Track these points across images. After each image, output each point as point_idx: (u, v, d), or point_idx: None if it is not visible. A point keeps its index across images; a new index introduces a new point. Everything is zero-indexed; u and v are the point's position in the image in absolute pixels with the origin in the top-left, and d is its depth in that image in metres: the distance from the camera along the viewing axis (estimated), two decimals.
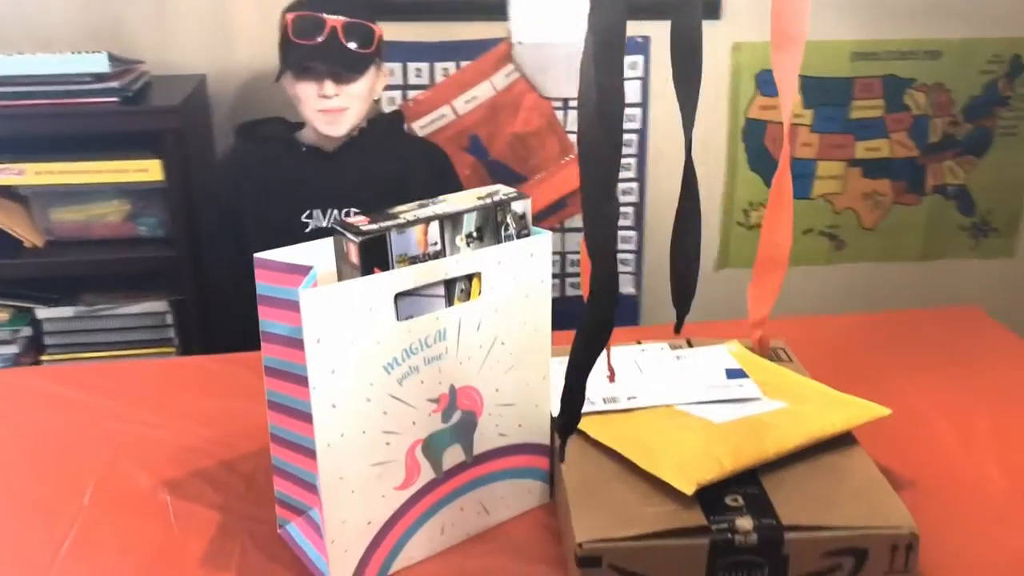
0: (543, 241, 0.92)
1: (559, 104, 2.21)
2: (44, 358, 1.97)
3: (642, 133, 2.27)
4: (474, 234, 0.88)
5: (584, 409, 1.00)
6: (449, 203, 0.89)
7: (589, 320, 0.63)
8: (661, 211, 2.30)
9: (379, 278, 0.82)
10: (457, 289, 0.89)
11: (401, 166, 1.78)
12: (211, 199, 1.82)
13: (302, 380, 0.88)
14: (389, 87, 2.14)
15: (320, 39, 1.61)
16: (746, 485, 0.90)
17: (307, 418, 0.90)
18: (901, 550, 0.85)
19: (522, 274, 0.92)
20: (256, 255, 0.87)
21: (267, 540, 0.97)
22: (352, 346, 0.82)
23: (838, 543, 0.85)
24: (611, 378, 0.94)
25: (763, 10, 2.14)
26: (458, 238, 0.87)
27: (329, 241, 0.91)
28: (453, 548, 0.96)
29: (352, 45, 1.64)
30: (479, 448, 0.95)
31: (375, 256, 0.82)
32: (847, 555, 0.85)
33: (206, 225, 1.85)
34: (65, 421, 1.19)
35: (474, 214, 0.87)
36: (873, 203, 2.42)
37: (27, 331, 1.96)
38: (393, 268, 0.83)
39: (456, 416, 0.92)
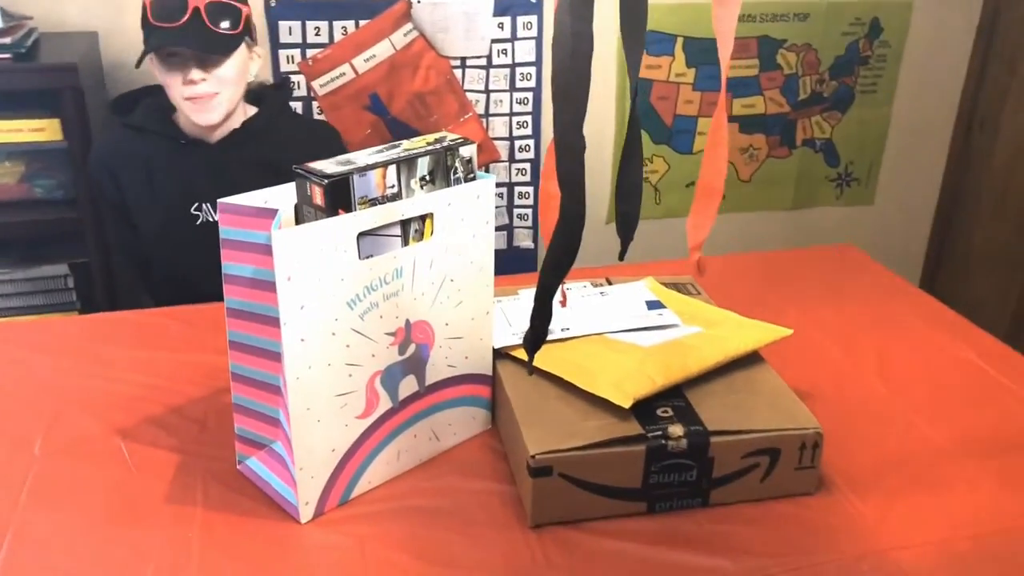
0: (487, 184, 1.00)
1: (457, 63, 2.26)
2: None
3: (536, 91, 2.35)
4: (427, 177, 0.95)
5: (520, 341, 1.10)
6: (403, 148, 0.95)
7: (557, 245, 0.71)
8: None
9: (344, 219, 0.88)
10: (412, 229, 0.95)
11: (290, 151, 1.58)
12: (94, 190, 1.73)
13: (264, 319, 0.94)
14: (286, 46, 2.15)
15: (182, 21, 1.51)
16: (673, 399, 1.01)
17: (269, 356, 0.95)
18: (808, 448, 0.98)
19: (469, 215, 0.99)
20: (220, 200, 0.91)
21: (228, 476, 1.02)
22: (319, 283, 0.88)
23: (756, 444, 0.97)
24: (563, 303, 1.03)
25: None
26: (413, 181, 0.93)
27: (279, 188, 0.96)
28: (408, 473, 1.04)
29: (217, 26, 1.55)
30: (430, 379, 1.03)
31: (339, 198, 0.88)
32: (763, 454, 0.97)
33: (108, 221, 1.79)
34: (3, 376, 1.19)
35: (427, 158, 0.94)
36: (749, 156, 2.59)
37: None
38: (355, 209, 0.89)
39: (411, 349, 0.99)
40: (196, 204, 1.66)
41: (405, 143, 0.96)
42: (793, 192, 2.66)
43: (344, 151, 1.88)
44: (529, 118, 2.37)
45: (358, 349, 0.94)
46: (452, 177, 0.97)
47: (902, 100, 2.62)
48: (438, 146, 0.96)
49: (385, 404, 0.99)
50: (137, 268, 1.83)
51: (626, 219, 0.81)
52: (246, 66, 1.66)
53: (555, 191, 0.76)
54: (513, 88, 2.33)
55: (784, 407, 1.01)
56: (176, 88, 1.58)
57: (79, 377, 1.20)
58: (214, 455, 1.05)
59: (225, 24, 1.56)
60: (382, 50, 2.20)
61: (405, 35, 2.20)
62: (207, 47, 1.54)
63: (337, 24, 2.17)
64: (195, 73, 1.55)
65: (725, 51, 0.72)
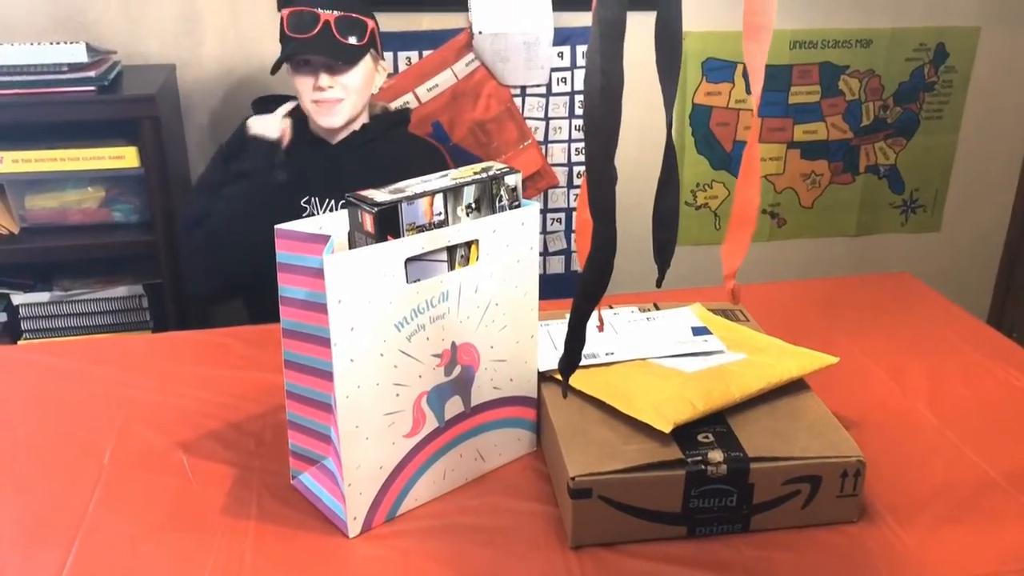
0: (532, 211, 1.03)
1: (517, 92, 2.31)
2: (21, 342, 2.01)
3: None
4: (473, 205, 0.98)
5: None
6: (450, 178, 0.99)
7: (590, 272, 0.73)
8: (616, 190, 2.42)
9: (392, 245, 0.92)
10: (458, 255, 0.99)
11: (399, 164, 1.70)
12: (217, 156, 1.85)
13: (318, 340, 0.98)
14: None
15: (313, 32, 1.68)
16: (715, 424, 1.02)
17: (322, 375, 1.00)
18: (850, 476, 0.98)
19: (514, 241, 1.02)
20: (277, 226, 0.96)
21: (281, 490, 1.06)
22: (368, 306, 0.92)
23: (796, 471, 0.97)
24: (600, 328, 1.05)
25: (709, 1, 2.27)
26: (459, 209, 0.97)
27: (334, 215, 1.00)
28: (454, 491, 1.07)
29: (345, 39, 1.70)
30: (476, 400, 1.06)
31: (388, 225, 0.92)
32: (804, 482, 0.98)
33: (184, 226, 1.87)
34: (75, 390, 1.26)
35: (473, 187, 0.98)
36: (811, 183, 2.57)
37: (2, 316, 2.00)
38: (404, 236, 0.93)
39: (457, 370, 1.02)
40: (307, 197, 1.76)
41: (453, 172, 1.00)
42: (856, 218, 2.63)
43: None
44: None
45: (405, 370, 0.97)
46: (497, 205, 1.00)
47: (969, 126, 2.58)
48: (484, 175, 0.99)
49: (431, 423, 1.02)
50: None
51: (664, 247, 0.84)
52: (371, 77, 1.80)
53: (589, 219, 0.79)
54: (572, 115, 2.37)
55: (826, 434, 1.01)
56: (306, 93, 1.74)
57: (146, 392, 1.26)
58: (269, 469, 1.10)
59: (352, 38, 1.72)
60: (444, 79, 2.26)
61: (467, 65, 2.26)
62: (335, 55, 1.70)
63: (402, 55, 2.24)
64: (324, 79, 1.71)
65: (756, 85, 0.74)
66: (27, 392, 1.27)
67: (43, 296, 2.00)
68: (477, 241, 0.99)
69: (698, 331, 1.19)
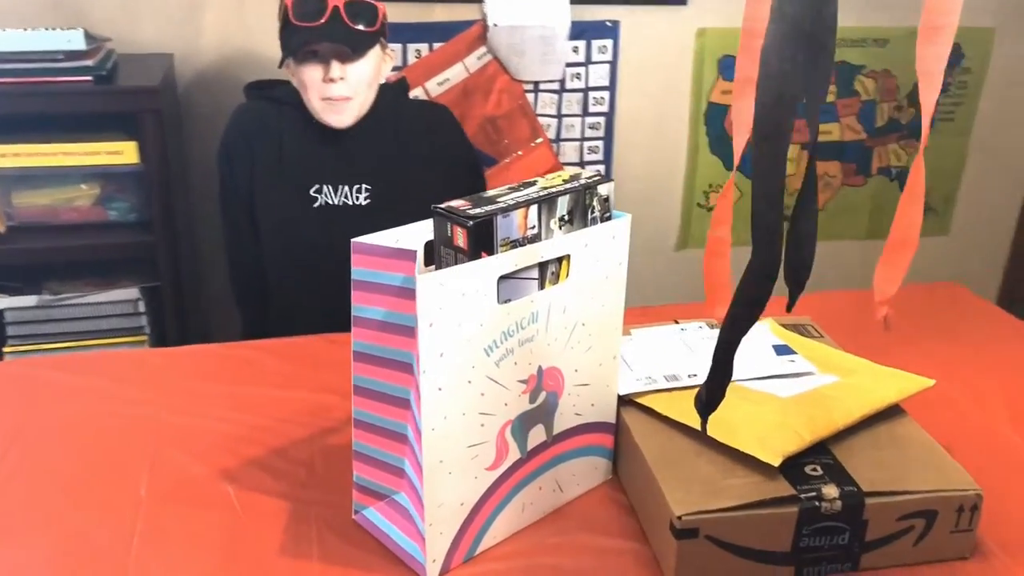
0: (623, 224, 0.94)
1: (530, 87, 2.22)
2: (6, 349, 1.88)
3: (609, 116, 2.30)
4: (566, 217, 0.89)
5: (646, 388, 1.04)
6: (540, 187, 0.90)
7: (745, 299, 0.65)
8: (628, 190, 2.35)
9: (487, 262, 0.83)
10: (548, 272, 0.90)
11: (410, 135, 1.73)
12: (221, 159, 1.71)
13: (393, 364, 0.89)
14: None
15: (323, 20, 1.54)
16: (819, 455, 0.94)
17: (396, 403, 0.90)
18: (967, 511, 0.92)
19: (604, 256, 0.94)
20: (354, 240, 0.86)
21: (342, 525, 0.97)
22: (459, 329, 0.83)
23: (912, 506, 0.90)
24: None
25: None
26: (552, 221, 0.88)
27: (411, 227, 0.91)
28: (531, 527, 0.98)
29: (356, 24, 1.57)
30: (558, 428, 0.97)
31: (483, 240, 0.83)
32: (919, 517, 0.91)
33: (224, 215, 1.76)
34: (100, 411, 1.15)
35: (567, 197, 0.89)
36: (823, 184, 2.52)
37: None
38: (497, 251, 0.84)
39: (541, 397, 0.94)
40: (316, 186, 1.64)
41: (541, 181, 0.91)
42: (867, 221, 2.59)
43: (462, 133, 1.85)
44: (600, 143, 2.32)
45: (492, 397, 0.88)
46: (589, 216, 0.92)
47: (982, 129, 2.55)
48: (576, 184, 0.90)
49: (514, 455, 0.93)
50: (240, 265, 1.79)
51: (798, 270, 0.76)
52: (379, 68, 1.67)
53: (725, 237, 0.71)
54: (585, 113, 2.28)
55: (938, 465, 0.94)
56: (315, 87, 1.59)
57: (176, 414, 1.15)
58: (325, 501, 1.00)
59: (362, 23, 1.58)
60: (455, 73, 2.16)
61: (479, 58, 2.16)
62: (347, 42, 1.57)
63: (411, 47, 2.14)
64: (335, 69, 1.57)
65: (931, 94, 0.66)
66: (44, 415, 1.15)
67: (30, 300, 1.87)
68: (568, 256, 0.90)
69: (780, 350, 1.12)
